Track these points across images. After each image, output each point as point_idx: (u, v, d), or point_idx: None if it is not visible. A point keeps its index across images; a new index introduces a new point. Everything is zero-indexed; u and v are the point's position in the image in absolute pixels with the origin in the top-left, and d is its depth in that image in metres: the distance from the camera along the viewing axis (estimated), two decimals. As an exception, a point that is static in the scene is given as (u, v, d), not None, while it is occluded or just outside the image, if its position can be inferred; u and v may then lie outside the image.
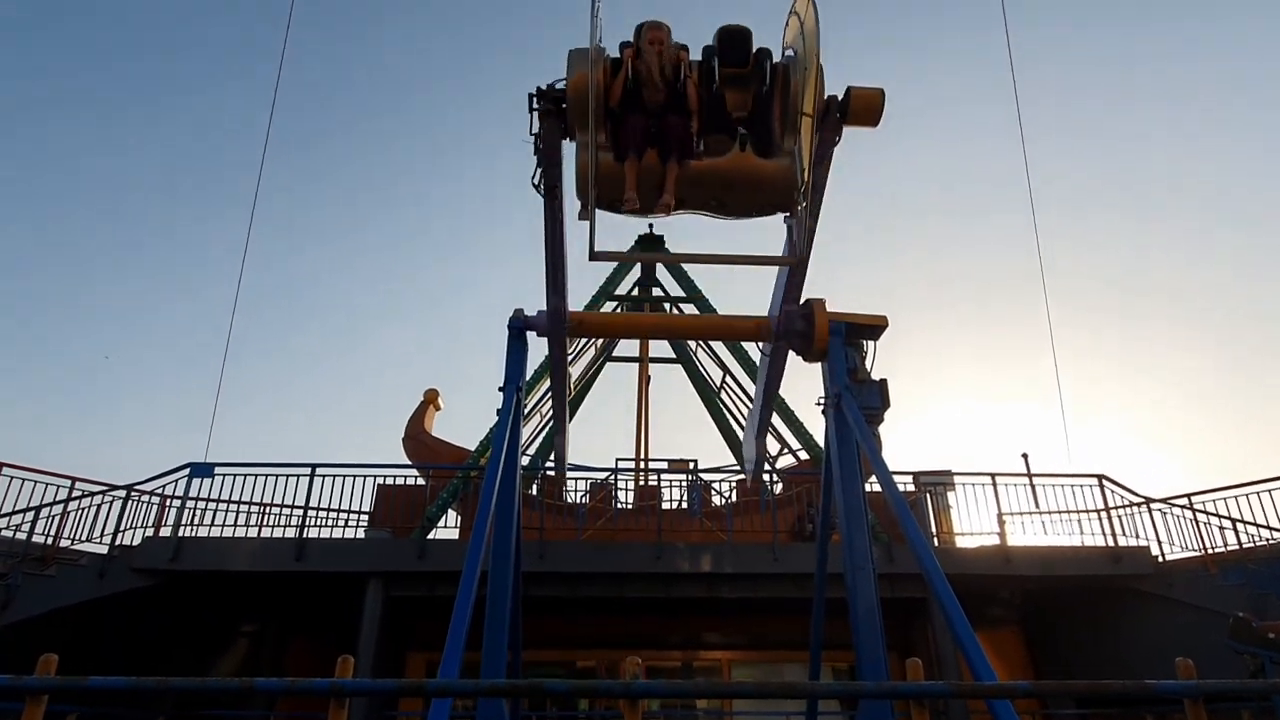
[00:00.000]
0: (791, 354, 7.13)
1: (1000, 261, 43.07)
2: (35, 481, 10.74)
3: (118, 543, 10.71)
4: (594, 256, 5.29)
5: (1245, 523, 11.29)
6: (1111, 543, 11.81)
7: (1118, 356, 37.92)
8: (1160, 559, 11.74)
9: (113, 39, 37.85)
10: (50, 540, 10.55)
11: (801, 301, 6.98)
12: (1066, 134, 36.49)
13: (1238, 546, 11.25)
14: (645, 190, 5.32)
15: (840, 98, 4.98)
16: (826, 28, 5.01)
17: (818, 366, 7.08)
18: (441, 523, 12.12)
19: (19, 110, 33.08)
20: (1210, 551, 11.45)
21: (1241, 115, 35.18)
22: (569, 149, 5.30)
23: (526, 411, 12.98)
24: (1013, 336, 43.03)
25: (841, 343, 6.86)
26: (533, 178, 5.29)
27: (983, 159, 41.33)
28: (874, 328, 7.25)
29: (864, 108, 5.06)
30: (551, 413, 14.88)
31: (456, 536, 12.26)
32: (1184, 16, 36.33)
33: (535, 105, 4.99)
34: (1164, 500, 12.21)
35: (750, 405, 15.43)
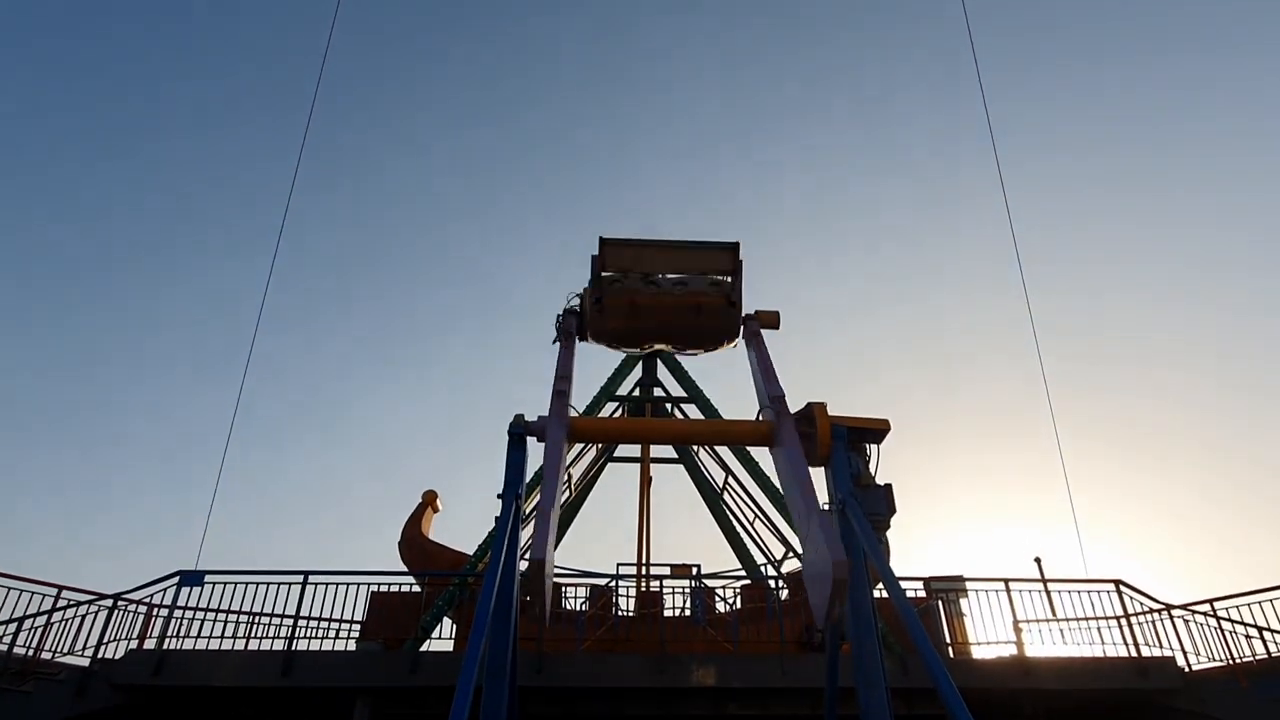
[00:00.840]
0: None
1: (1007, 380, 43.38)
2: (20, 590, 10.44)
3: (100, 655, 10.29)
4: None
5: (1273, 631, 10.84)
6: (1134, 652, 11.30)
7: (1128, 479, 37.62)
8: (1187, 669, 11.21)
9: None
10: (31, 652, 10.16)
11: (803, 405, 6.98)
12: (1069, 273, 37.45)
13: (1267, 656, 10.76)
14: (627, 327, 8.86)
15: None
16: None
17: (819, 470, 6.99)
18: (436, 632, 11.68)
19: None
20: (1239, 661, 10.94)
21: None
22: None
23: (526, 516, 12.75)
24: (1020, 459, 42.78)
25: (844, 447, 6.80)
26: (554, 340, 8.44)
27: (986, 291, 42.28)
28: (876, 431, 7.21)
29: (768, 322, 8.63)
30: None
31: (451, 647, 11.79)
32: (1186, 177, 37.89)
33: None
34: (1185, 606, 11.77)
35: (755, 509, 15.20)
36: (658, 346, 9.03)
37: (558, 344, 8.24)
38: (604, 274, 8.25)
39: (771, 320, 8.62)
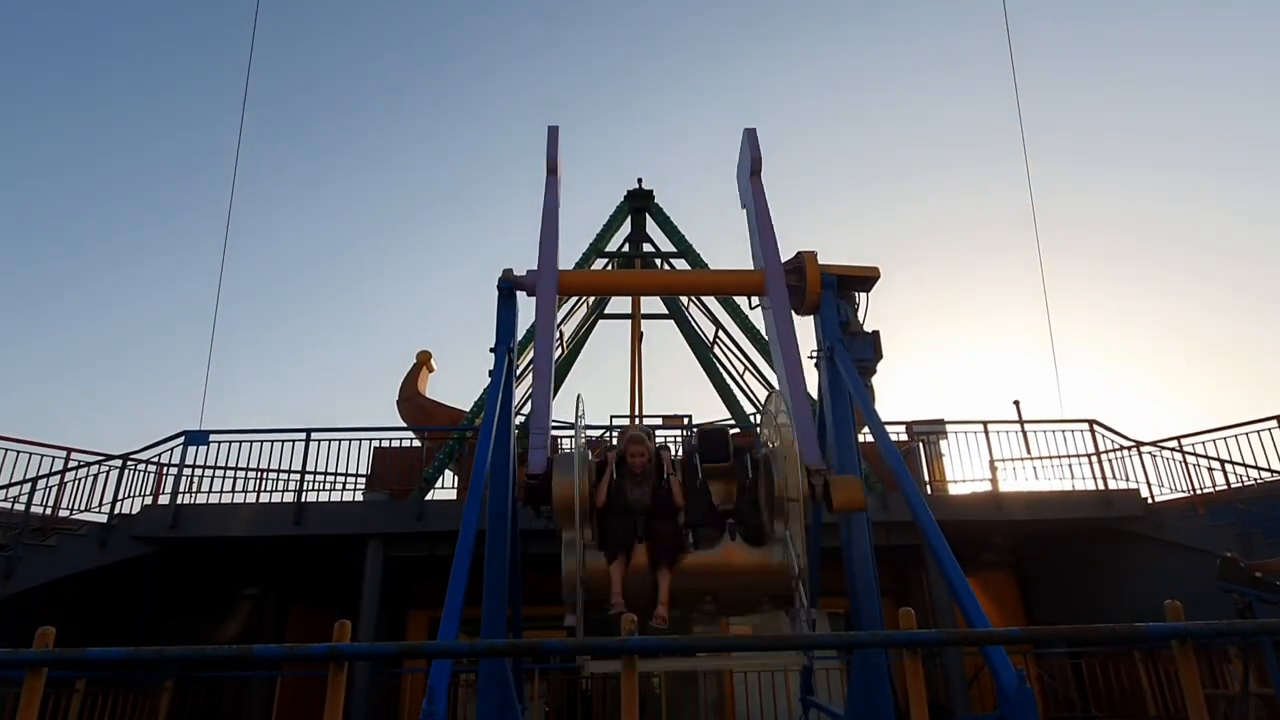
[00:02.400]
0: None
1: (992, 210, 42.81)
2: (30, 453, 10.76)
3: (117, 511, 10.75)
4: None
5: (1234, 463, 11.43)
6: (1102, 486, 11.96)
7: (1108, 303, 38.00)
8: (1150, 501, 11.91)
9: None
10: (49, 511, 10.59)
11: (793, 254, 6.94)
12: (1062, 83, 35.96)
13: (1226, 487, 11.41)
14: (636, 595, 5.18)
15: (819, 488, 4.93)
16: None
17: (809, 319, 7.06)
18: (439, 484, 12.19)
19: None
20: (1199, 492, 11.61)
21: (1239, 69, 34.68)
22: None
23: (520, 370, 12.98)
24: (1004, 285, 43.00)
25: (833, 295, 6.83)
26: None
27: (976, 109, 40.76)
28: (866, 279, 7.20)
29: (846, 497, 4.97)
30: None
31: (454, 497, 12.33)
32: None
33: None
34: (1154, 443, 12.35)
35: (744, 361, 15.47)
36: None
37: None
38: None
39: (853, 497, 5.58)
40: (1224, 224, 35.60)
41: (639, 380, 16.53)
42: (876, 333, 7.19)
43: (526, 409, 14.56)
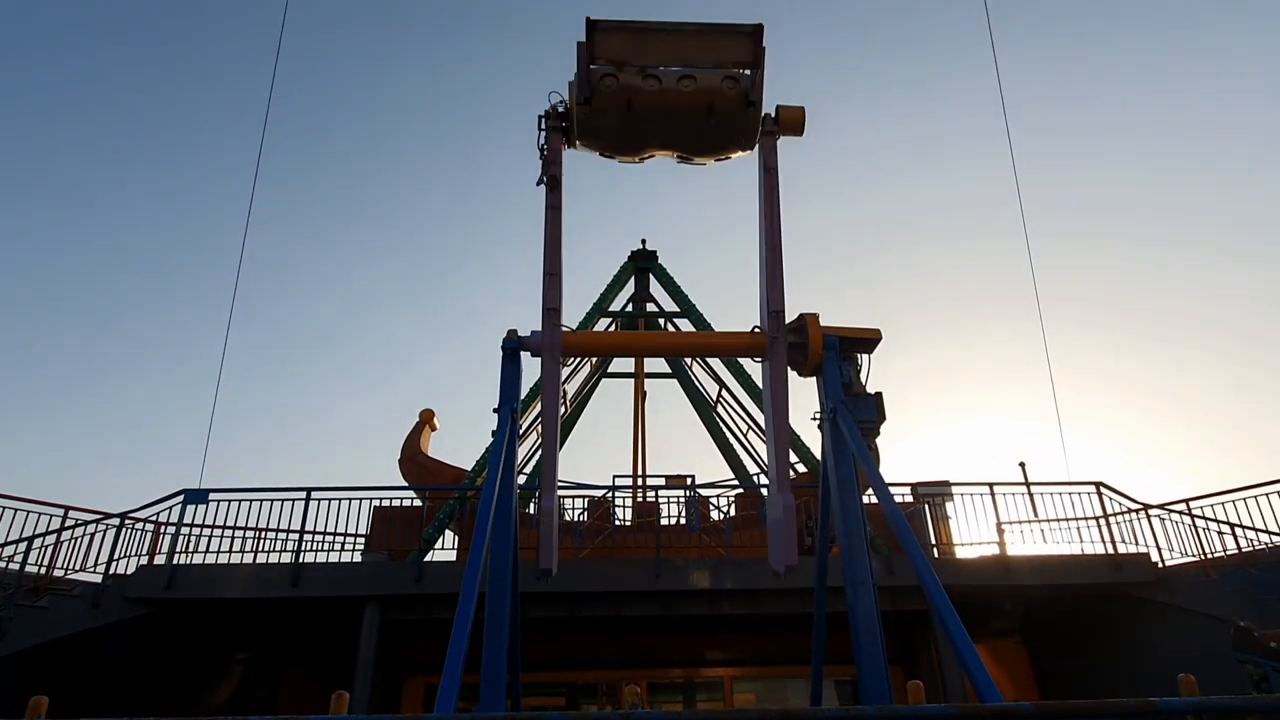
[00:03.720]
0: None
1: (996, 276, 43.28)
2: (28, 511, 10.65)
3: (111, 571, 10.60)
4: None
5: (1244, 527, 11.27)
6: (1111, 550, 11.78)
7: (1112, 371, 38.07)
8: (1160, 565, 11.71)
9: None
10: (44, 570, 10.45)
11: (795, 316, 7.00)
12: (1060, 156, 36.81)
13: (1237, 551, 11.23)
14: (624, 129, 6.91)
15: (773, 115, 6.93)
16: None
17: (813, 380, 7.09)
18: (439, 544, 12.04)
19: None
20: (1210, 557, 11.42)
21: (1244, 143, 35.51)
22: (568, 159, 6.92)
23: (522, 431, 12.94)
24: (1009, 350, 43.15)
25: (836, 357, 6.87)
26: (539, 180, 6.83)
27: (983, 179, 41.62)
28: (868, 341, 7.26)
29: (790, 120, 7.10)
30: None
31: (454, 558, 12.17)
32: (1177, 45, 36.73)
33: (543, 126, 6.95)
34: (1162, 506, 12.20)
35: (747, 420, 15.44)
36: (658, 154, 7.32)
37: (542, 187, 7.01)
38: (593, 66, 6.67)
39: (795, 120, 7.16)
40: (1229, 295, 35.90)
41: (642, 439, 16.48)
42: (879, 394, 7.20)
43: (529, 467, 14.55)
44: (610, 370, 17.11)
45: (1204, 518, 11.71)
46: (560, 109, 6.90)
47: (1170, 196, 37.11)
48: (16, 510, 10.57)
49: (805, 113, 7.20)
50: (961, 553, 12.21)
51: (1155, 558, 11.76)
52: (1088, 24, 36.89)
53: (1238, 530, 11.30)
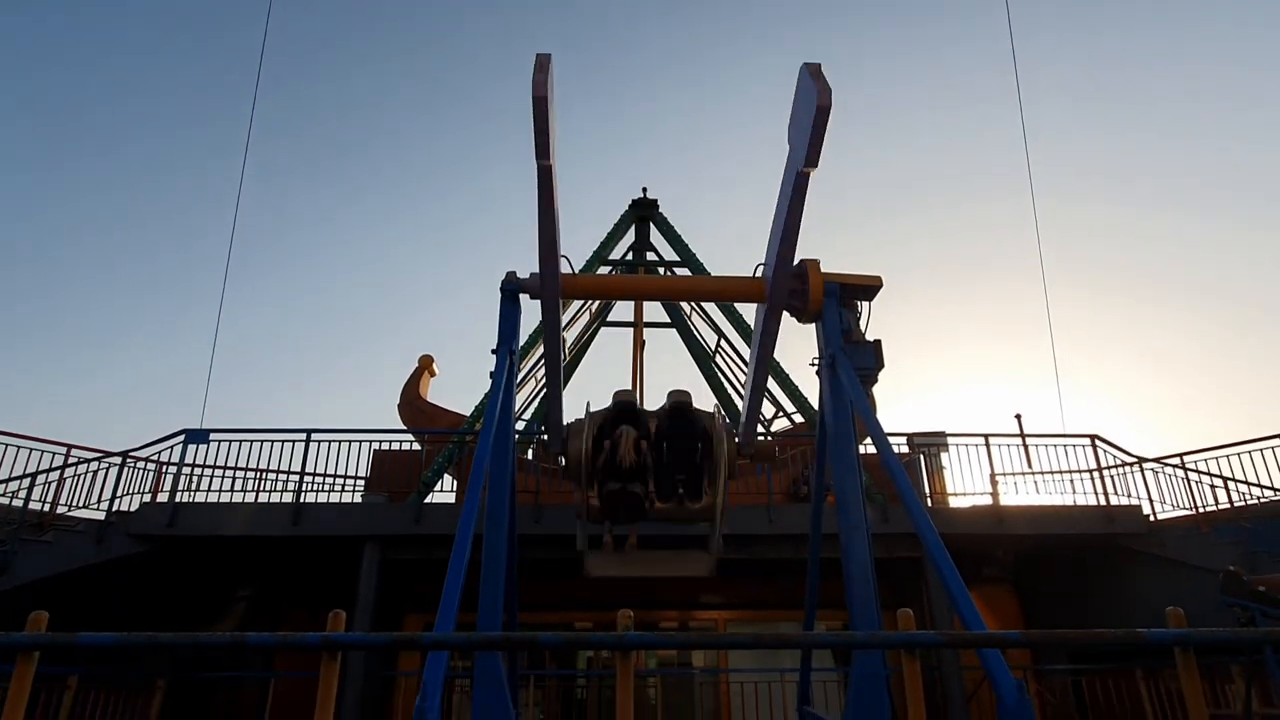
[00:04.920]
0: (785, 315, 7.07)
1: (998, 227, 42.84)
2: (30, 449, 10.74)
3: (115, 509, 10.73)
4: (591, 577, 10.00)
5: (1237, 481, 11.36)
6: (1104, 502, 11.89)
7: (1112, 324, 37.97)
8: (1152, 518, 11.84)
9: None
10: (47, 507, 10.57)
11: (796, 263, 6.92)
12: (1068, 114, 36.11)
13: (1229, 505, 11.34)
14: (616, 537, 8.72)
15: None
16: None
17: (812, 327, 7.05)
18: (438, 488, 12.15)
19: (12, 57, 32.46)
20: (1202, 510, 11.54)
21: (1247, 107, 34.78)
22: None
23: (521, 376, 12.96)
24: (1008, 301, 42.99)
25: (836, 303, 6.81)
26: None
27: (984, 137, 40.89)
28: (868, 288, 7.19)
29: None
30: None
31: (453, 501, 12.30)
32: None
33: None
34: (1156, 460, 12.29)
35: (746, 371, 15.46)
36: None
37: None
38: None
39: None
40: (1231, 243, 35.58)
41: (640, 389, 16.52)
42: (878, 341, 7.16)
43: (528, 414, 14.60)
44: (609, 319, 17.07)
45: (1198, 471, 11.81)
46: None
47: (1183, 158, 36.52)
48: (20, 448, 10.68)
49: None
50: (956, 503, 12.34)
51: (1147, 510, 11.89)
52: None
53: (1230, 484, 11.41)
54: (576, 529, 8.68)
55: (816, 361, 7.00)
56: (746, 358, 15.27)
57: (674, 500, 7.80)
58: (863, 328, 7.31)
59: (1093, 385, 37.09)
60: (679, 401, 7.86)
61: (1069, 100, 36.80)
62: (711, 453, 7.75)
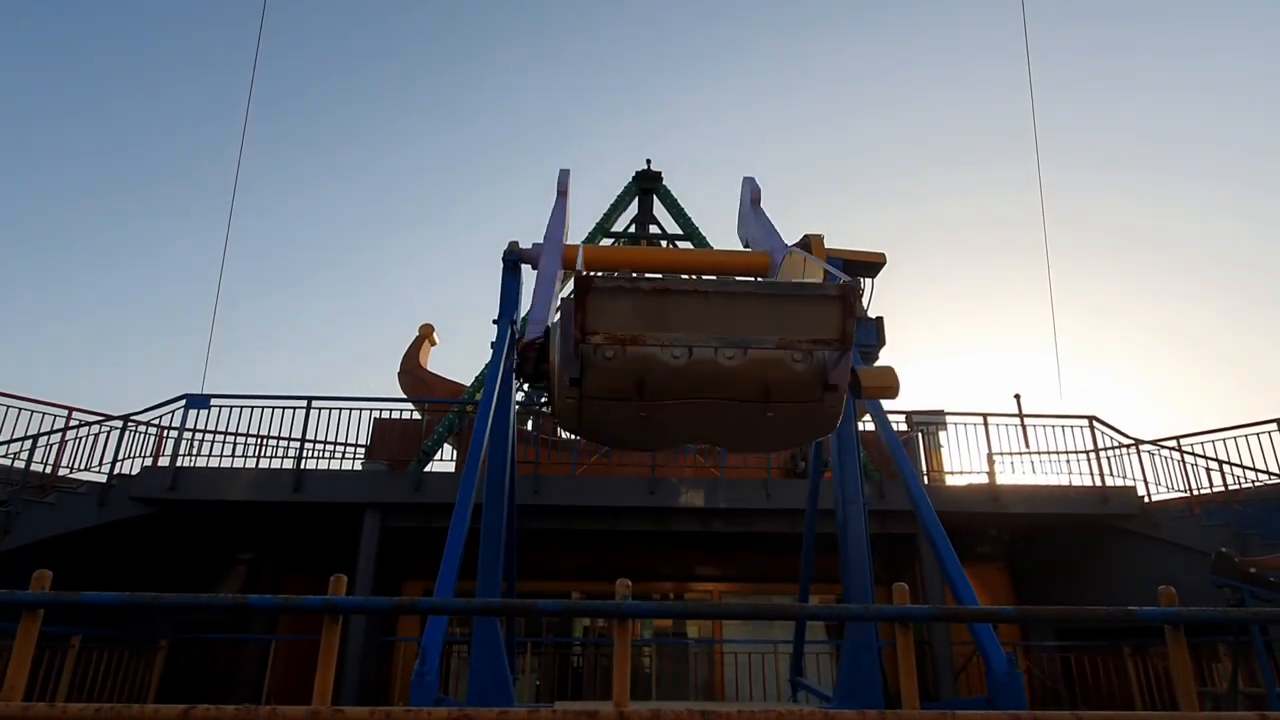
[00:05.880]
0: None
1: (999, 208, 42.59)
2: (32, 411, 10.79)
3: (116, 472, 10.81)
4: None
5: (1231, 464, 11.43)
6: (1099, 483, 11.97)
7: (1113, 304, 37.88)
8: (1147, 500, 11.92)
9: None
10: (49, 469, 10.65)
11: (799, 238, 6.90)
12: (1073, 86, 35.66)
13: (1223, 488, 11.42)
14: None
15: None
16: None
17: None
18: (438, 457, 12.23)
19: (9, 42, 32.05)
20: (1196, 493, 11.62)
21: (1247, 71, 34.35)
22: None
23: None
24: (1010, 281, 42.86)
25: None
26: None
27: (987, 105, 40.43)
28: (872, 265, 7.17)
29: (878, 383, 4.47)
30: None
31: (453, 470, 12.39)
32: None
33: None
34: (1152, 442, 12.35)
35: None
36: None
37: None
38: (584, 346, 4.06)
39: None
40: (1230, 229, 35.40)
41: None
42: (880, 319, 7.16)
43: (527, 384, 14.62)
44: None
45: (1193, 454, 11.88)
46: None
47: (1180, 124, 36.10)
48: (20, 410, 10.72)
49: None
50: (952, 481, 12.42)
51: (1142, 492, 11.97)
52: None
53: (1225, 467, 11.48)
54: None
55: (817, 337, 7.01)
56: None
57: None
58: (865, 305, 7.31)
59: (1092, 358, 37.10)
60: None
61: (1077, 68, 36.32)
62: None
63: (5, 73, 32.18)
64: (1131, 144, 36.82)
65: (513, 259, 6.66)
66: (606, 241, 14.75)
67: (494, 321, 6.51)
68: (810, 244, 6.80)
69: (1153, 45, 35.64)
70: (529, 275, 6.79)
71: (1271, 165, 34.83)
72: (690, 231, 14.85)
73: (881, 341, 7.10)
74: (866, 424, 9.83)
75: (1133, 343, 39.10)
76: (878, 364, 4.70)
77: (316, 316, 41.86)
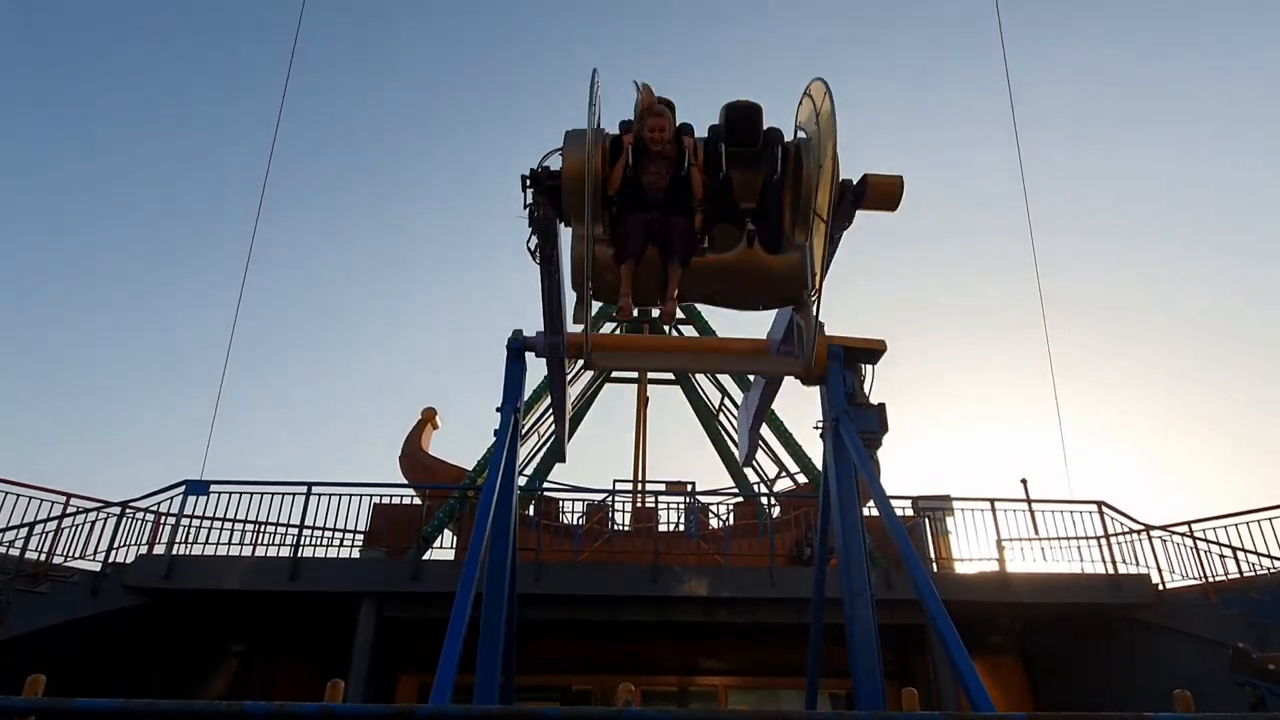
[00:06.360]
0: (788, 376, 7.12)
1: (999, 288, 43.21)
2: (30, 497, 10.70)
3: (111, 560, 10.64)
4: (594, 367, 5.55)
5: (1246, 551, 11.22)
6: (1111, 570, 11.73)
7: (1117, 384, 37.95)
8: (1161, 587, 11.66)
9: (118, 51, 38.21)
10: (43, 557, 10.49)
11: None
12: (1068, 162, 36.79)
13: (1238, 575, 11.17)
14: (645, 286, 5.10)
15: (855, 183, 4.80)
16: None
17: (815, 389, 7.09)
18: (437, 543, 12.06)
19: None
20: (1211, 580, 11.36)
21: (1245, 140, 35.49)
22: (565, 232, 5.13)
23: (524, 431, 12.96)
24: (1012, 363, 43.07)
25: (839, 366, 6.86)
26: (527, 242, 4.98)
27: (984, 186, 41.59)
28: (872, 351, 7.25)
29: (882, 195, 4.87)
30: (550, 433, 14.88)
31: (452, 557, 12.18)
32: (1190, 42, 36.73)
33: (529, 195, 4.74)
34: (1164, 528, 12.15)
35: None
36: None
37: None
38: None
39: (889, 193, 4.98)
40: (1238, 308, 35.74)
41: (643, 445, 16.49)
42: (882, 405, 7.19)
43: (530, 469, 14.54)
44: (614, 375, 17.13)
45: (1206, 540, 11.68)
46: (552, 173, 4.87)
47: (1191, 199, 36.85)
48: (19, 496, 10.63)
49: (903, 182, 4.99)
50: (961, 568, 12.19)
51: (1155, 579, 11.71)
52: (1102, 23, 36.83)
53: (1239, 554, 11.26)
54: (574, 290, 5.31)
55: (820, 424, 7.02)
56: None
57: (739, 243, 5.03)
58: (867, 390, 7.36)
59: (1098, 441, 36.86)
60: (744, 111, 5.01)
61: (1072, 136, 37.39)
62: (798, 185, 4.92)
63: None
64: (1130, 219, 37.59)
65: (516, 346, 6.75)
66: (610, 325, 14.93)
67: (497, 409, 6.55)
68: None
69: (1157, 118, 36.82)
70: (533, 362, 6.89)
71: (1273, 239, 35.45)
72: (692, 316, 15.06)
73: (884, 428, 7.11)
74: (871, 510, 9.72)
75: (1139, 422, 38.97)
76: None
77: (318, 399, 41.96)
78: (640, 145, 4.81)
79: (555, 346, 6.47)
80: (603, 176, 4.80)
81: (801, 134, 5.19)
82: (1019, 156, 13.05)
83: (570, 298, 5.49)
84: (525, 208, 4.80)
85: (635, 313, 5.12)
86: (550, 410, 12.34)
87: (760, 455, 15.22)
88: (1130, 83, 36.78)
